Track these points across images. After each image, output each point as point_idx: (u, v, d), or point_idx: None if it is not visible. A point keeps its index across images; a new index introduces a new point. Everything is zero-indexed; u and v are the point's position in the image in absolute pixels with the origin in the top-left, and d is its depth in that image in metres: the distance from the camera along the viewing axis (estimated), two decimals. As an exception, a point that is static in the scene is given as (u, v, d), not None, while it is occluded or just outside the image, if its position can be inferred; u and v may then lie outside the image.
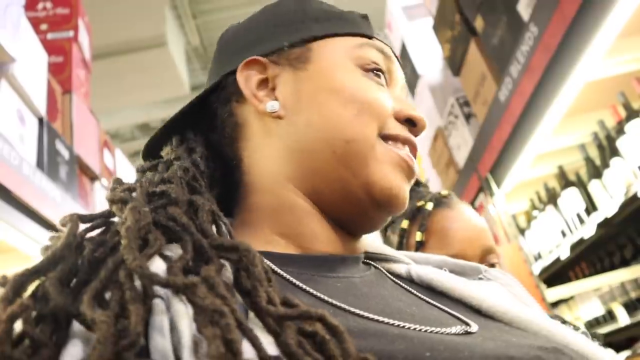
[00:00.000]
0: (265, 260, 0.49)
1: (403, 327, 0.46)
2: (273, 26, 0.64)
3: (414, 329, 0.46)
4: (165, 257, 0.40)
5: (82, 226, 0.43)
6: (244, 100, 0.61)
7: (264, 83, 0.61)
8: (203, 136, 0.63)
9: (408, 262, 0.65)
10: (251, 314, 0.38)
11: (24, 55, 1.81)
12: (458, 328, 0.49)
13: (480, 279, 0.65)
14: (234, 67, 0.61)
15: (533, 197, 2.83)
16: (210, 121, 0.64)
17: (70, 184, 2.05)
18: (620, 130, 2.01)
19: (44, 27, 2.54)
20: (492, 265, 1.03)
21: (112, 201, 0.45)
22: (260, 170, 0.60)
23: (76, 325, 0.35)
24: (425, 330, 0.46)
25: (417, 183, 1.19)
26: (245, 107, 0.61)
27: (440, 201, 1.09)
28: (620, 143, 2.02)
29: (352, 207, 0.57)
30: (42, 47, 2.04)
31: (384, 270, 0.62)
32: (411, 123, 0.60)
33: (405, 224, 1.08)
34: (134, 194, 0.47)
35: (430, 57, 2.84)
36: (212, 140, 0.64)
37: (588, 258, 2.93)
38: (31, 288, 0.37)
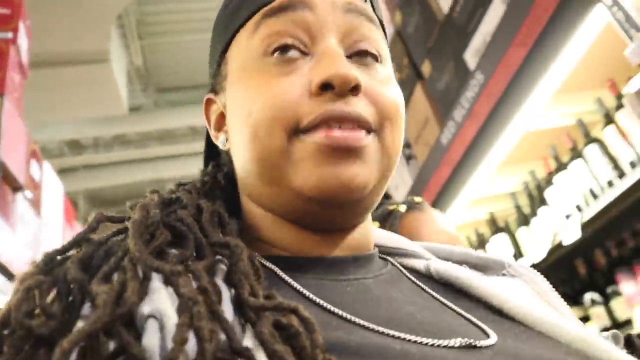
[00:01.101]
0: (272, 266, 0.51)
1: (406, 339, 0.43)
2: (212, 49, 0.62)
3: (420, 342, 0.43)
4: (166, 254, 0.43)
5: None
6: None
7: (222, 116, 0.60)
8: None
9: (428, 258, 0.61)
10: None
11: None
12: (470, 340, 0.45)
13: (504, 274, 0.62)
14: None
15: (464, 241, 2.92)
16: None
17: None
18: (549, 181, 2.13)
19: (-20, 25, 2.41)
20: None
21: (131, 207, 0.49)
22: (240, 190, 0.60)
23: (87, 308, 0.38)
24: (431, 344, 0.43)
25: (386, 196, 1.20)
26: None
27: (412, 205, 1.10)
28: (548, 193, 2.13)
29: (304, 215, 0.53)
30: (-23, 44, 1.92)
31: (400, 267, 0.59)
32: (329, 87, 0.49)
33: (375, 225, 1.06)
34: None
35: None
36: None
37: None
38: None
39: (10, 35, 2.41)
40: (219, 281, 0.41)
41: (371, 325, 0.45)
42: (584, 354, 0.47)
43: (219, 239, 0.45)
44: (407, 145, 2.60)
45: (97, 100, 5.15)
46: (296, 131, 0.49)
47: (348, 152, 0.49)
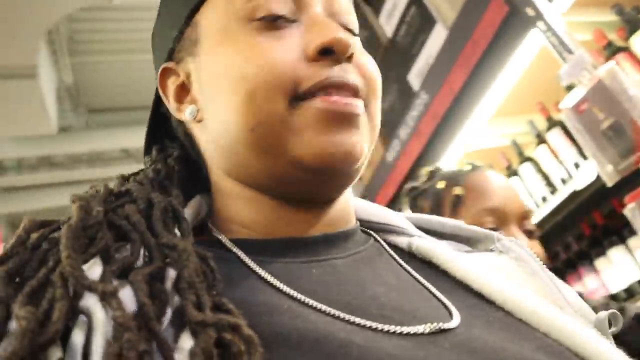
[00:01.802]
0: (236, 251, 0.50)
1: (356, 324, 0.42)
2: (166, 15, 0.58)
3: (370, 328, 0.42)
4: (107, 260, 0.40)
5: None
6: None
7: (184, 87, 0.56)
8: (179, 141, 0.61)
9: (412, 234, 0.59)
10: None
11: None
12: (428, 326, 0.44)
13: (492, 250, 0.59)
14: (157, 74, 0.59)
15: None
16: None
17: None
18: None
19: None
20: (530, 233, 1.01)
21: (73, 201, 0.44)
22: (208, 167, 0.58)
23: (13, 324, 0.34)
24: (383, 330, 0.42)
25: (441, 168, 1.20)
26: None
27: (477, 166, 1.08)
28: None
29: (294, 187, 0.51)
30: None
31: (383, 244, 0.58)
32: (328, 52, 0.48)
33: (441, 184, 1.06)
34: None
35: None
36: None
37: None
38: None
39: None
40: (168, 287, 0.39)
41: (325, 308, 0.44)
42: (560, 345, 0.45)
43: (168, 240, 0.41)
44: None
45: (23, 117, 4.90)
46: (295, 97, 0.48)
47: (349, 120, 0.48)
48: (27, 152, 5.95)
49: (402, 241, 0.58)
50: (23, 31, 4.25)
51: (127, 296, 0.37)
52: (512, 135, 2.05)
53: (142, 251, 0.42)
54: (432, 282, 0.52)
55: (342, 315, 0.43)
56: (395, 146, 1.96)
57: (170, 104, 0.57)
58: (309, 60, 0.48)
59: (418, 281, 0.52)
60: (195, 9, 0.54)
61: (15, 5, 4.03)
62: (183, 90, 0.56)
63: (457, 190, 1.00)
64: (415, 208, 1.16)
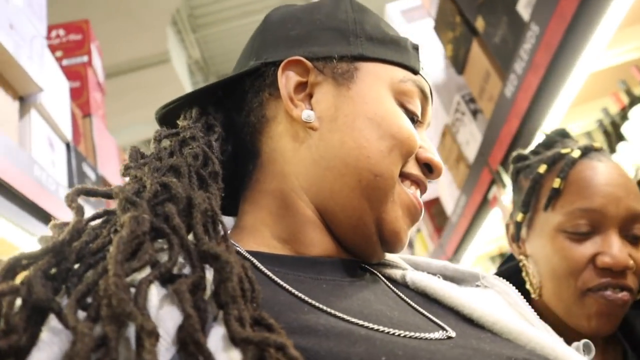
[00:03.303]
0: (252, 259, 0.52)
1: (372, 329, 0.46)
2: (327, 29, 0.61)
3: (384, 331, 0.46)
4: (154, 266, 0.40)
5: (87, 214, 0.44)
6: (278, 95, 0.60)
7: (301, 86, 0.60)
8: (224, 114, 0.62)
9: (405, 268, 0.64)
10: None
11: (49, 84, 1.90)
12: (434, 334, 0.49)
13: (478, 286, 0.65)
14: (276, 58, 0.60)
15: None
16: (237, 101, 0.63)
17: (99, 205, 2.13)
18: (624, 116, 2.08)
19: (58, 54, 2.63)
20: (637, 238, 0.89)
21: (118, 196, 0.45)
22: (277, 170, 0.59)
23: (53, 321, 0.35)
24: (395, 334, 0.46)
25: (565, 134, 1.09)
26: (279, 103, 0.60)
27: (589, 150, 0.95)
28: (625, 128, 2.09)
29: (358, 235, 0.57)
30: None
31: (379, 276, 0.63)
32: (428, 168, 0.61)
33: (542, 168, 0.97)
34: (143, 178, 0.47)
35: (432, 57, 2.92)
36: (233, 121, 0.63)
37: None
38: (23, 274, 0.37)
39: (85, 58, 2.62)
40: (207, 295, 0.40)
41: (341, 315, 0.47)
42: (541, 358, 0.49)
43: (209, 249, 0.41)
44: (471, 100, 2.61)
45: (166, 98, 5.37)
46: (400, 173, 0.58)
47: (417, 220, 0.61)
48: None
49: (396, 273, 0.63)
50: (150, 21, 4.64)
51: (167, 310, 0.38)
52: (645, 45, 1.87)
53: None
54: (426, 308, 0.56)
55: (358, 321, 0.47)
56: (513, 81, 1.90)
57: (286, 93, 0.59)
58: (416, 158, 0.60)
59: (413, 307, 0.56)
60: (363, 59, 0.60)
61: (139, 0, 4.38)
62: (300, 88, 0.60)
63: (556, 183, 0.91)
64: (516, 183, 1.08)
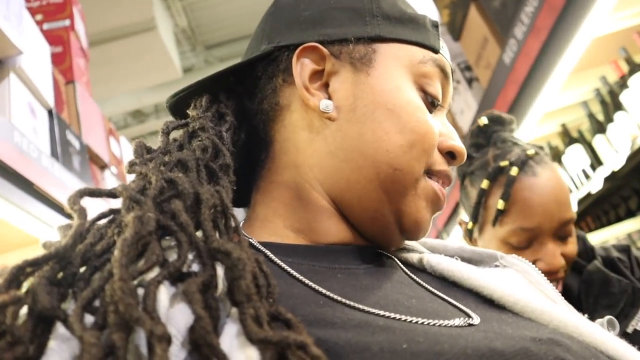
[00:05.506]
0: (265, 251, 0.51)
1: (392, 318, 0.45)
2: (341, 9, 0.57)
3: (403, 319, 0.45)
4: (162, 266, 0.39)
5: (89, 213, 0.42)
6: (292, 82, 0.57)
7: (317, 74, 0.57)
8: (235, 101, 0.60)
9: (422, 251, 0.63)
10: None
11: (29, 47, 1.81)
12: (456, 321, 0.47)
13: (497, 266, 0.63)
14: (289, 41, 0.57)
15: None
16: (250, 88, 0.60)
17: (83, 173, 2.06)
18: (623, 85, 2.04)
19: (39, 17, 2.51)
20: (564, 237, 1.02)
21: (121, 195, 0.43)
22: (290, 161, 0.57)
23: (60, 329, 0.34)
24: (414, 322, 0.45)
25: (502, 121, 1.13)
26: (293, 90, 0.57)
27: (525, 165, 1.02)
28: (623, 97, 2.05)
29: (376, 226, 0.56)
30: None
31: (396, 260, 0.61)
32: (451, 155, 0.59)
33: (485, 184, 1.04)
34: (149, 173, 0.45)
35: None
36: (246, 108, 0.61)
37: (593, 212, 2.99)
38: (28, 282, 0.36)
39: (67, 22, 2.51)
40: (218, 295, 0.39)
41: (358, 305, 0.45)
42: (571, 337, 0.48)
43: (219, 246, 0.39)
44: (467, 68, 2.55)
45: (150, 68, 5.28)
46: (427, 170, 0.57)
47: (440, 209, 0.59)
48: (161, 97, 6.43)
49: (413, 257, 0.62)
50: (135, -13, 4.48)
51: (178, 308, 0.37)
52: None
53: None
54: (445, 292, 0.55)
55: (375, 311, 0.45)
56: (512, 46, 1.84)
57: (301, 82, 0.56)
58: (439, 148, 0.57)
59: (431, 292, 0.54)
60: (381, 40, 0.57)
61: (124, -36, 4.23)
62: (316, 76, 0.57)
63: (500, 205, 1.00)
64: (463, 186, 1.13)
